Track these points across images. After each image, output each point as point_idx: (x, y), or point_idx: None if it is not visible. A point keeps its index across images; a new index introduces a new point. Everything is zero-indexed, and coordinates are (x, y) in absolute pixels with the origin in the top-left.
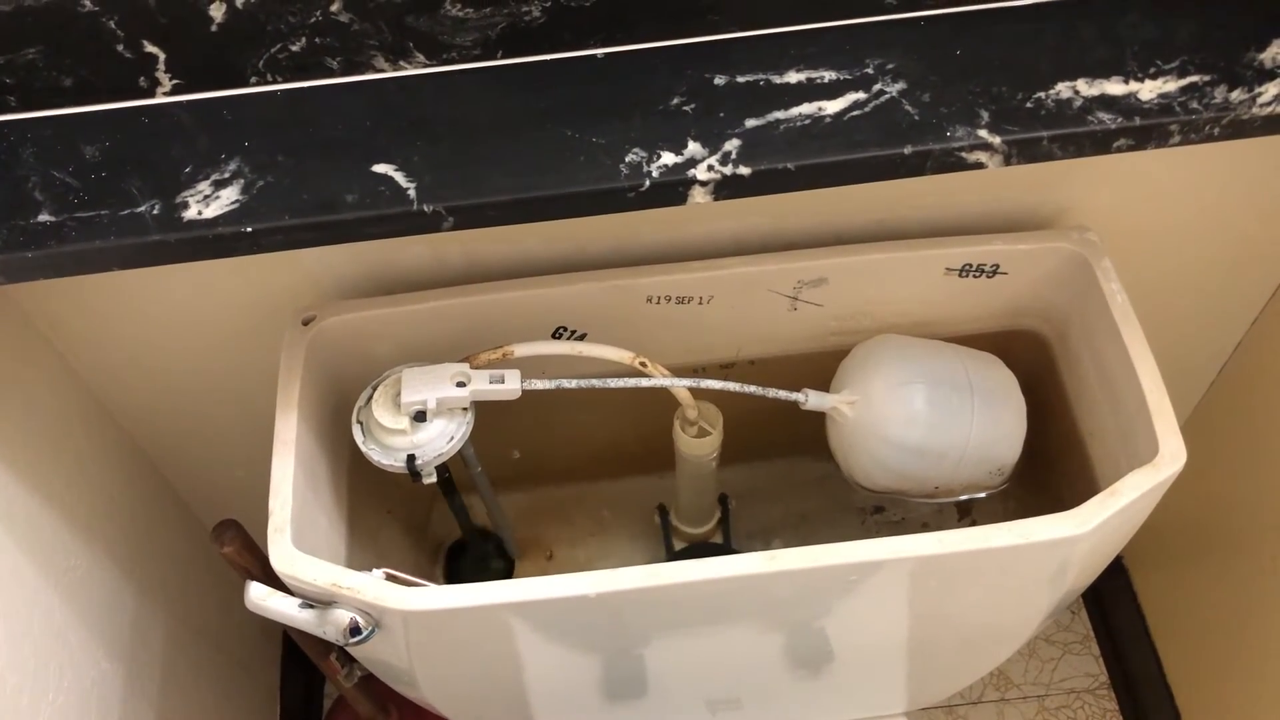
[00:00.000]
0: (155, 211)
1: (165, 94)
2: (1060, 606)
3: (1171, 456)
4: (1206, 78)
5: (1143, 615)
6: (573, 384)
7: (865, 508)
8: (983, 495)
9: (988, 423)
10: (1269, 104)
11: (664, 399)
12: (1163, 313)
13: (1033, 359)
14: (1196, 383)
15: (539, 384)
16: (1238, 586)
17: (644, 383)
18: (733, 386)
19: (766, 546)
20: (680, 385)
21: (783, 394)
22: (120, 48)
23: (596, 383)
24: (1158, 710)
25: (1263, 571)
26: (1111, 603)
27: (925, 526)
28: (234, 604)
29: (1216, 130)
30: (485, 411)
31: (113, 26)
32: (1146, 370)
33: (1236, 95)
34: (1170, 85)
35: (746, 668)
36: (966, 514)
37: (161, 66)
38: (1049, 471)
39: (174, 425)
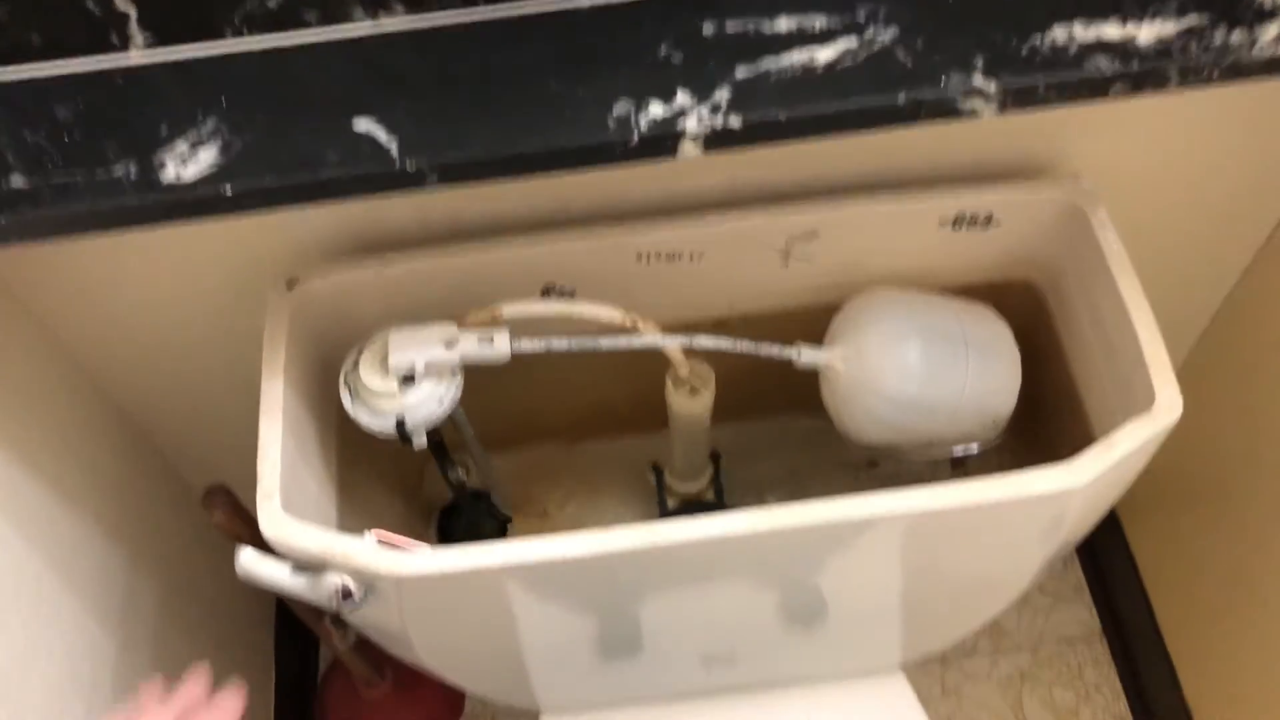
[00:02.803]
0: (132, 174)
1: (139, 51)
2: (1055, 559)
3: (1168, 406)
4: (1205, 19)
5: (1135, 563)
6: (563, 345)
7: (858, 462)
8: (976, 448)
9: (982, 375)
10: (1269, 45)
11: (656, 358)
12: (1157, 261)
13: (1027, 310)
14: (1189, 330)
15: (528, 345)
16: (1229, 534)
17: (635, 342)
18: (725, 344)
19: (760, 503)
20: (671, 344)
21: (775, 350)
22: (90, 4)
23: (587, 343)
24: (1149, 657)
25: (1254, 518)
26: (1104, 551)
27: (919, 480)
28: (226, 570)
29: (1216, 74)
30: (475, 371)
31: None
32: (1142, 319)
33: (1236, 37)
34: (1168, 27)
35: (741, 624)
36: (960, 467)
37: (134, 23)
38: (1043, 423)
39: (160, 391)
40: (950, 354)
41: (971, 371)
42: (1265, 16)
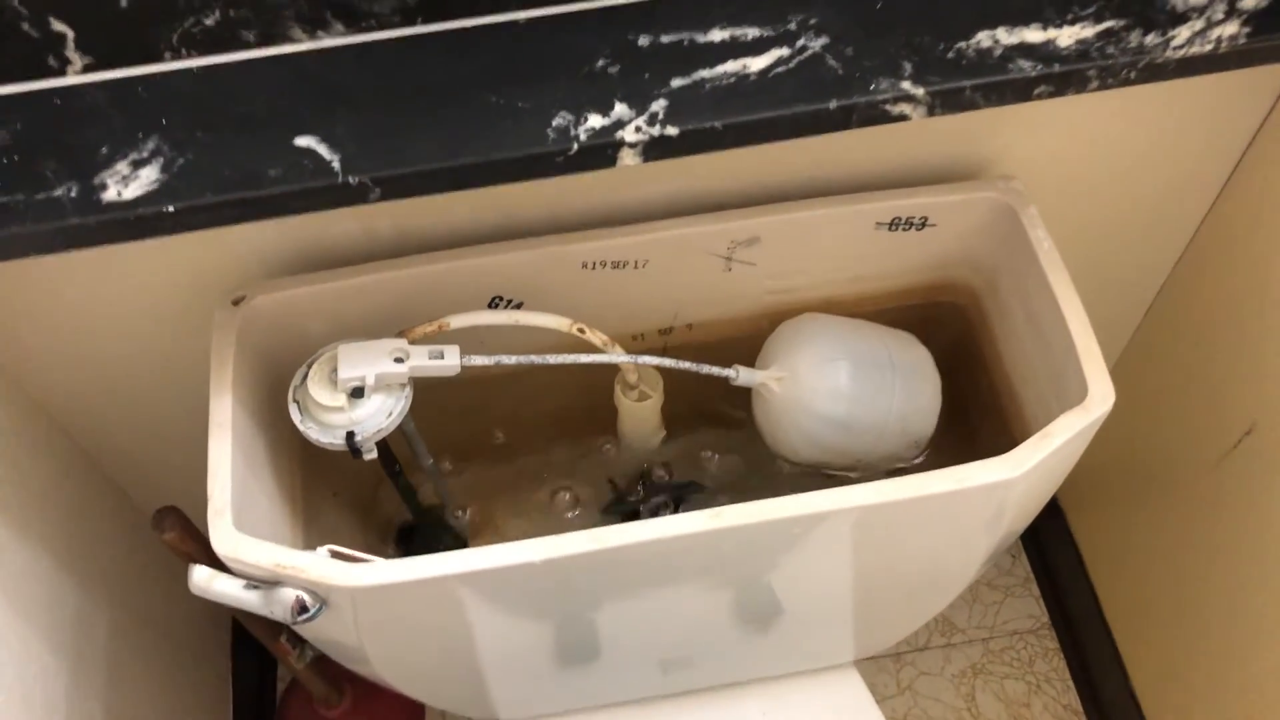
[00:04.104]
0: (73, 194)
1: (77, 73)
2: (999, 549)
3: (1101, 398)
4: (1122, 22)
5: (1080, 555)
6: (512, 360)
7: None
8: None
9: (907, 397)
10: (1181, 47)
11: (605, 367)
12: (1089, 258)
13: (964, 309)
14: (1125, 325)
15: (478, 360)
16: (1169, 523)
17: (582, 359)
18: (667, 362)
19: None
20: (615, 361)
21: (715, 370)
22: (26, 26)
23: (535, 359)
24: (1096, 646)
25: (1191, 508)
26: (1049, 545)
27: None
28: (179, 592)
29: (1133, 74)
30: (425, 386)
31: (16, 4)
32: (1074, 314)
33: (1151, 39)
34: (1087, 31)
35: (697, 627)
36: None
37: (71, 45)
38: (983, 419)
39: (107, 413)
40: (877, 377)
41: (897, 393)
42: (1177, 20)
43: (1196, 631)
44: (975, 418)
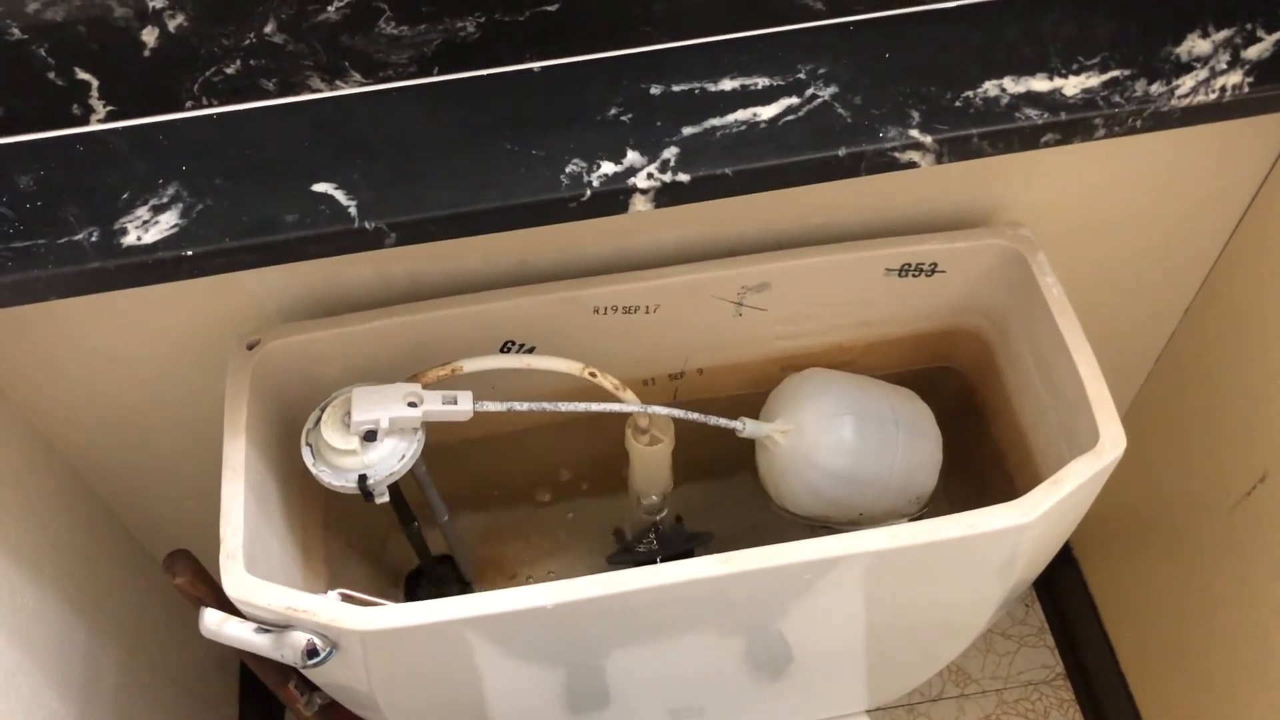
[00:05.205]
0: (94, 239)
1: (100, 121)
2: (1011, 597)
3: (1112, 443)
4: (1127, 72)
5: (1094, 605)
6: (524, 407)
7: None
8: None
9: (910, 452)
10: (1186, 96)
11: (618, 414)
12: (1099, 304)
13: (974, 355)
14: (1135, 372)
15: (491, 406)
16: (1183, 571)
17: (593, 407)
18: (675, 413)
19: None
20: (625, 410)
21: (722, 422)
22: (52, 75)
23: (548, 405)
24: (1111, 697)
25: (1204, 555)
26: (1063, 594)
27: None
28: (188, 637)
29: (1138, 123)
30: (439, 434)
31: (43, 54)
32: (1084, 360)
33: (1156, 88)
34: (1093, 80)
35: (707, 674)
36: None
37: (95, 93)
38: (994, 467)
39: (119, 456)
40: (881, 432)
41: (900, 448)
42: (1181, 70)
43: (1212, 680)
44: (985, 466)
